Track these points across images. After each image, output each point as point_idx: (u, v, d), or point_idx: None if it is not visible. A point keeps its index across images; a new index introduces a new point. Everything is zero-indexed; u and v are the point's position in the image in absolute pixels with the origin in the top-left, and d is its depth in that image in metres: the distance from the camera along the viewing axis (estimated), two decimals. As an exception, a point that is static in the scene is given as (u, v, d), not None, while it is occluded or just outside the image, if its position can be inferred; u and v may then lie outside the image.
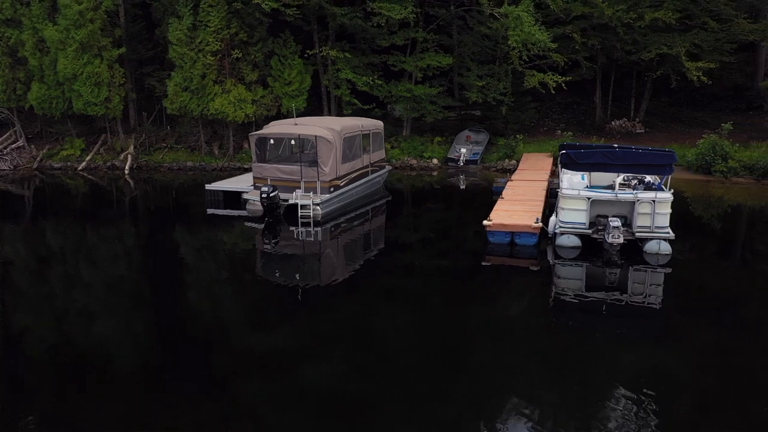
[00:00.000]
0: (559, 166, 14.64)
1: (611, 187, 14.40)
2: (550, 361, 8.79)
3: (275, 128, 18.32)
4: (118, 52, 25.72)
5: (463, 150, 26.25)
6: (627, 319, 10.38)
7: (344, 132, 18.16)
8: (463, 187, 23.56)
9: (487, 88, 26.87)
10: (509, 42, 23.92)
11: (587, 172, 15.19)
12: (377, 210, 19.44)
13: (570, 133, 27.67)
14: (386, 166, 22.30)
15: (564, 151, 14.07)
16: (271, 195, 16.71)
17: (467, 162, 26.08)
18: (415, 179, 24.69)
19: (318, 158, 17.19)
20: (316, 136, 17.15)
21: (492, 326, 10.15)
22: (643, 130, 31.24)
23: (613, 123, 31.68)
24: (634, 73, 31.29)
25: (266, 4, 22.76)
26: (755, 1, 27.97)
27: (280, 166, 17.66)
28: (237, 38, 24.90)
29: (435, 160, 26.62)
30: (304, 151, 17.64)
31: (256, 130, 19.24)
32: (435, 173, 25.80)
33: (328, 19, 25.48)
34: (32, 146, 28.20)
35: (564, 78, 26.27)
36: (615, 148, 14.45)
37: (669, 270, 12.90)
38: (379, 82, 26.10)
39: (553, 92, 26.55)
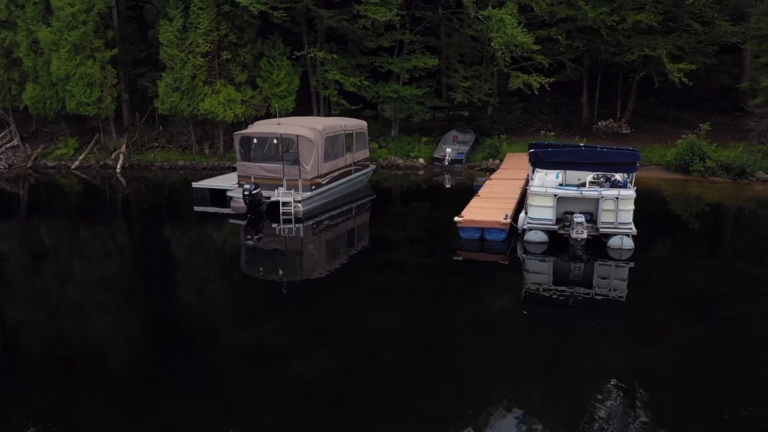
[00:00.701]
0: (529, 164, 15.12)
1: (584, 185, 14.89)
2: (524, 354, 9.16)
3: (259, 128, 18.84)
4: (110, 53, 26.25)
5: (449, 150, 26.74)
6: (592, 312, 10.79)
7: (326, 131, 18.66)
8: (448, 186, 24.05)
9: (473, 89, 27.36)
10: (492, 44, 24.42)
11: (562, 171, 15.68)
12: (361, 208, 19.94)
13: (552, 133, 28.17)
14: (370, 165, 22.79)
15: (532, 150, 14.55)
16: (253, 192, 17.22)
17: (452, 161, 26.57)
18: (401, 178, 25.18)
19: (299, 157, 17.69)
20: (297, 136, 17.65)
21: (464, 319, 10.51)
22: (629, 131, 31.69)
23: (599, 123, 32.15)
24: (620, 75, 31.74)
25: (254, 7, 23.28)
26: (739, 3, 28.39)
27: (263, 164, 18.17)
28: (226, 40, 25.42)
29: (421, 160, 27.13)
30: (286, 150, 18.12)
31: (241, 130, 19.73)
32: (421, 172, 26.30)
33: (316, 22, 25.99)
34: (27, 145, 28.75)
35: (548, 79, 26.76)
36: (581, 147, 14.92)
37: (632, 264, 13.37)
38: (367, 83, 26.60)
39: (537, 93, 27.01)
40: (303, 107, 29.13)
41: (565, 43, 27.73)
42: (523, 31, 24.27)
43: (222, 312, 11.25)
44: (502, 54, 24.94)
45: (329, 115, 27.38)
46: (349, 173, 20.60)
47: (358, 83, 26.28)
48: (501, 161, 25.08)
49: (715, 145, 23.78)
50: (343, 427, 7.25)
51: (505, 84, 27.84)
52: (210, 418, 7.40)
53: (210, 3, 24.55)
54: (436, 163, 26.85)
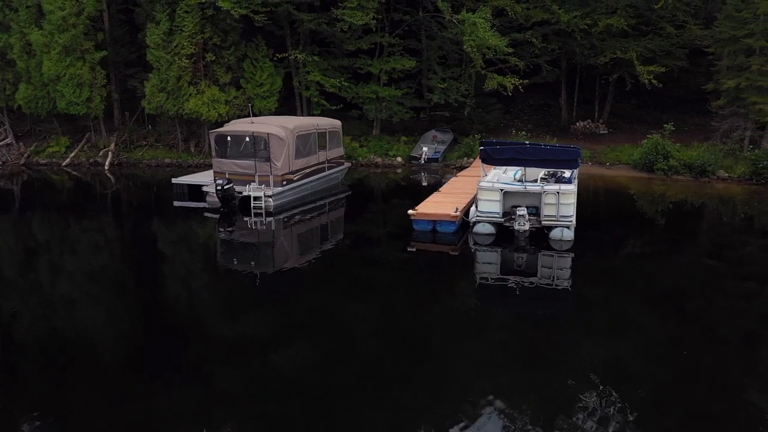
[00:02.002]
0: (480, 161, 16.02)
1: (536, 181, 15.78)
2: (482, 342, 9.66)
3: (233, 126, 19.82)
4: (99, 54, 27.28)
5: (425, 149, 27.66)
6: (536, 299, 11.63)
7: (297, 130, 19.62)
8: (425, 183, 24.94)
9: (450, 90, 28.29)
10: (464, 47, 25.34)
11: (522, 168, 16.51)
12: (335, 203, 20.89)
13: (524, 132, 29.02)
14: (345, 163, 23.74)
15: (482, 148, 15.46)
16: (225, 188, 18.18)
17: (429, 160, 27.49)
18: (379, 176, 26.10)
19: (270, 154, 18.66)
20: (268, 134, 18.62)
21: (415, 309, 11.14)
22: (606, 131, 32.55)
23: (577, 124, 33.04)
24: (597, 77, 32.60)
25: (235, 11, 24.27)
26: (712, 8, 29.19)
27: (237, 161, 19.14)
28: (211, 42, 26.42)
29: (399, 159, 28.05)
30: (258, 148, 19.06)
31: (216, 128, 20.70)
32: (399, 171, 27.22)
33: (297, 25, 26.96)
34: (21, 144, 29.84)
35: (522, 81, 27.65)
36: (526, 144, 15.81)
37: (572, 254, 14.28)
38: (347, 83, 27.54)
39: (510, 94, 27.90)
40: (289, 107, 30.13)
41: (541, 46, 28.62)
42: (494, 35, 25.13)
43: (191, 301, 11.99)
44: (474, 56, 25.82)
45: (311, 114, 28.32)
46: (322, 170, 21.54)
47: (339, 84, 27.22)
48: (475, 159, 25.98)
49: (678, 144, 24.61)
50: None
51: (483, 85, 28.72)
52: (195, 407, 7.71)
53: (195, 7, 25.53)
54: (413, 162, 27.78)
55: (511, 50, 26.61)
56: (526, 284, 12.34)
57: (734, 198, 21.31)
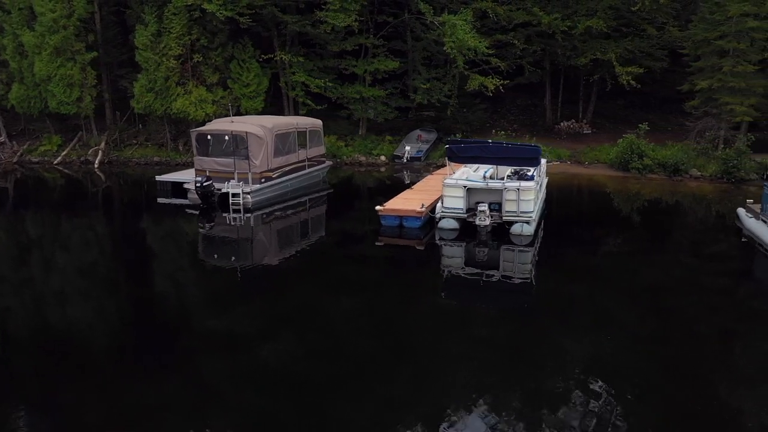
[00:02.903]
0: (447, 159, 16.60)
1: (502, 178, 16.37)
2: (450, 333, 10.09)
3: (213, 125, 20.45)
4: (90, 55, 27.93)
5: (408, 148, 28.26)
6: (495, 292, 12.25)
7: (276, 129, 20.22)
8: (407, 181, 25.51)
9: (433, 90, 28.87)
10: (445, 48, 25.93)
11: (494, 166, 17.14)
12: (316, 201, 21.50)
13: (503, 132, 29.59)
14: (326, 162, 24.34)
15: (447, 146, 16.04)
16: (204, 185, 18.80)
17: (412, 159, 28.07)
18: (363, 175, 26.72)
19: (249, 152, 19.27)
20: (247, 133, 19.23)
21: (384, 299, 11.70)
22: (590, 131, 33.09)
23: (561, 124, 33.58)
24: (581, 77, 33.13)
25: (221, 13, 24.90)
26: (691, 8, 29.66)
27: (217, 159, 19.75)
28: (198, 43, 27.04)
29: (383, 157, 28.65)
30: (237, 146, 19.66)
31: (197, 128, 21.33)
32: (383, 169, 27.81)
33: (282, 27, 27.58)
34: (14, 142, 30.52)
35: (504, 81, 28.20)
36: (489, 143, 16.37)
37: (536, 249, 14.87)
38: (331, 84, 28.15)
39: (491, 94, 28.47)
40: (277, 107, 30.74)
41: (523, 47, 29.18)
42: (474, 36, 25.69)
43: (167, 294, 12.53)
44: (455, 57, 26.40)
45: (297, 114, 28.91)
46: (302, 168, 22.13)
47: (323, 85, 27.83)
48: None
49: (653, 144, 25.15)
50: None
51: (465, 86, 29.28)
52: (182, 400, 7.98)
53: (182, 9, 26.16)
54: (396, 161, 28.37)
55: (492, 51, 27.17)
56: (488, 277, 12.92)
57: (706, 196, 21.86)
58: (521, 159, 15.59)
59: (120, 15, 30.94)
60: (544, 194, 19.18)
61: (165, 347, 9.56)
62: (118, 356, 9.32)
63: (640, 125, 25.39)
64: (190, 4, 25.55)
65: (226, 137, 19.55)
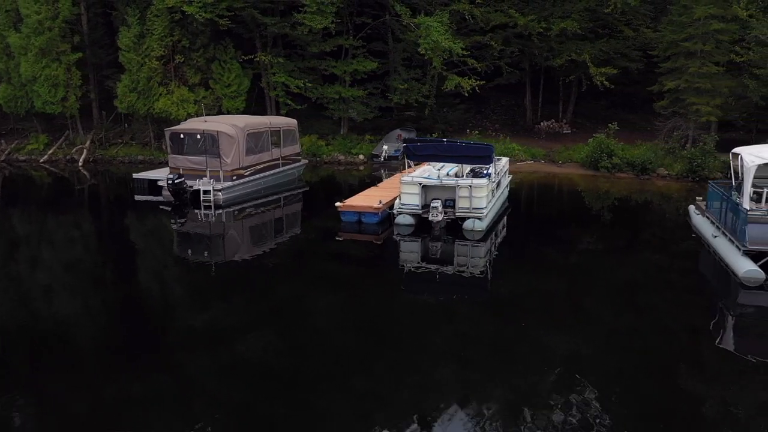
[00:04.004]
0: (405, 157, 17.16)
1: (456, 175, 16.94)
2: (405, 325, 10.61)
3: (187, 125, 21.07)
4: (75, 56, 28.59)
5: (385, 147, 28.83)
6: (454, 285, 12.71)
7: (248, 128, 20.83)
8: (384, 179, 26.07)
9: (411, 91, 29.44)
10: (419, 49, 26.51)
11: (458, 165, 17.67)
12: (290, 198, 22.07)
13: (477, 131, 30.16)
14: (302, 160, 24.93)
15: (405, 145, 16.61)
16: (176, 182, 19.39)
17: (389, 158, 28.63)
18: (342, 173, 27.29)
19: (220, 150, 19.87)
20: (218, 132, 19.84)
21: (340, 290, 12.29)
22: (569, 131, 33.62)
23: (541, 124, 34.14)
24: (560, 78, 33.65)
25: (200, 15, 25.52)
26: (659, 14, 30.02)
27: (190, 157, 20.35)
28: (180, 45, 27.67)
29: (361, 156, 29.23)
30: (209, 145, 20.24)
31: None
32: (361, 168, 28.39)
33: (262, 28, 28.19)
34: (3, 141, 31.20)
35: (480, 82, 28.75)
36: (444, 141, 16.92)
37: (487, 244, 15.44)
38: (311, 84, 28.74)
39: (467, 94, 29.00)
40: (261, 107, 31.37)
41: (500, 48, 29.74)
42: (449, 38, 26.25)
43: (132, 287, 13.00)
44: (431, 57, 26.97)
45: (278, 114, 29.51)
46: (276, 166, 22.72)
47: (303, 85, 28.42)
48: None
49: (622, 143, 25.67)
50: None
51: (443, 86, 29.84)
52: (166, 393, 8.24)
53: (164, 11, 26.80)
54: (374, 160, 28.96)
55: (467, 52, 27.73)
56: (442, 271, 13.48)
57: (671, 194, 22.37)
58: (474, 157, 16.15)
59: (107, 16, 31.62)
60: (507, 191, 19.75)
61: (134, 341, 9.89)
62: (91, 351, 9.54)
63: (609, 125, 25.93)
64: (171, 6, 26.17)
65: (198, 136, 20.15)
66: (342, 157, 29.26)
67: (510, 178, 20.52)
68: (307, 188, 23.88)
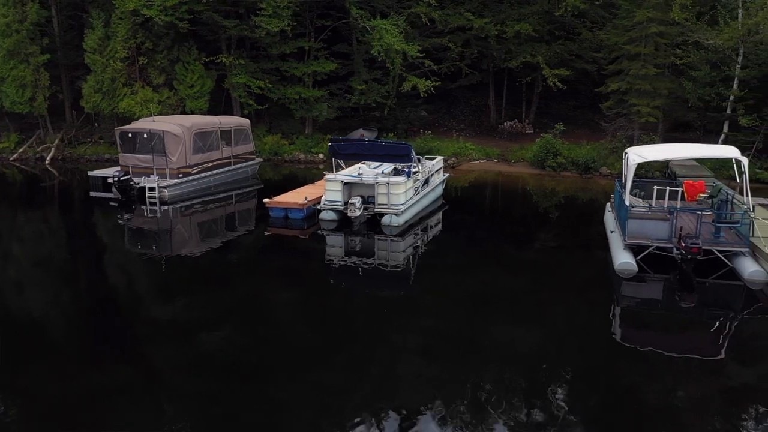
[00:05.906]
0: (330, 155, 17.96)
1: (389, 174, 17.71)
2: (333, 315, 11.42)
3: (135, 124, 21.95)
4: (44, 58, 29.49)
5: (343, 146, 29.58)
6: (376, 278, 13.49)
7: (195, 128, 21.67)
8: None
9: (369, 91, 30.20)
10: (372, 51, 27.28)
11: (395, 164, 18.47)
12: (242, 195, 22.86)
13: (430, 132, 30.92)
14: (255, 159, 25.74)
15: (330, 144, 17.41)
16: (122, 179, 20.27)
17: (348, 156, 29.40)
18: (301, 171, 28.04)
19: (165, 149, 20.71)
20: (163, 131, 20.69)
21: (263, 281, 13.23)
22: (532, 131, 34.26)
23: (504, 124, 34.82)
24: (518, 79, 34.32)
25: (160, 19, 26.35)
26: (600, 15, 30.53)
27: (138, 155, 21.23)
28: (143, 46, 28.53)
29: (321, 155, 30.02)
30: (155, 143, 21.07)
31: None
32: (321, 166, 29.11)
33: (222, 31, 29.00)
34: (-25, 140, 32.17)
35: (436, 83, 29.49)
36: (365, 141, 17.71)
37: (405, 239, 16.21)
38: (271, 85, 29.54)
39: (424, 95, 29.74)
40: (226, 107, 32.21)
41: (458, 50, 30.47)
42: (402, 41, 27.00)
43: (69, 279, 14.02)
44: (387, 59, 27.73)
45: (242, 114, 30.33)
46: (227, 165, 23.56)
47: (264, 86, 29.22)
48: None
49: (568, 143, 26.38)
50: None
51: (401, 87, 30.59)
52: (133, 385, 8.68)
53: (127, 14, 27.66)
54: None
55: (423, 54, 28.47)
56: (366, 264, 14.23)
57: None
58: (393, 156, 16.94)
59: (78, 19, 32.50)
60: (441, 189, 20.48)
61: (83, 334, 10.58)
62: (42, 345, 9.97)
63: (556, 125, 26.63)
64: (133, 9, 27.00)
65: (145, 135, 21.00)
66: (302, 156, 30.06)
67: (446, 176, 21.25)
68: (262, 186, 24.65)
